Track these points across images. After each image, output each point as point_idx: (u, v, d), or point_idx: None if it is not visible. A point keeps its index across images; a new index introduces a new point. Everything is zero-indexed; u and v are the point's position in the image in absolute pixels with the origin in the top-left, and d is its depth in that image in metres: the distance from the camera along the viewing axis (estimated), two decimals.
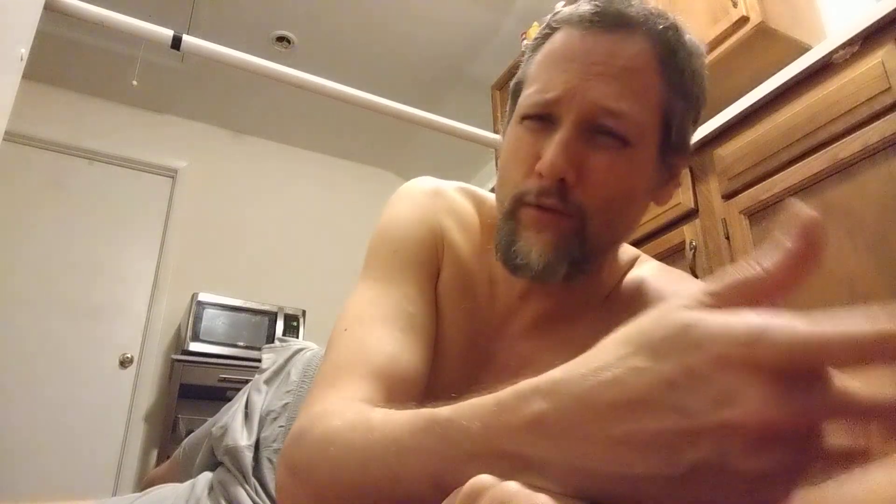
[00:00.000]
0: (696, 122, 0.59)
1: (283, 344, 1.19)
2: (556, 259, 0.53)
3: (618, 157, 0.53)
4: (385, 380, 0.49)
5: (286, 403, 0.87)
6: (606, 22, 0.54)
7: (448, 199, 0.65)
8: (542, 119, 0.55)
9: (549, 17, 0.59)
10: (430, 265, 0.61)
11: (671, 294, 0.59)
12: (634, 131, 0.53)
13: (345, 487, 0.40)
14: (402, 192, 0.66)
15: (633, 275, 0.63)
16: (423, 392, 0.53)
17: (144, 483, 1.36)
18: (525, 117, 0.56)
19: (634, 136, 0.53)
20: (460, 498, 0.34)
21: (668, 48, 0.54)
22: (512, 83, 0.61)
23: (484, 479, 0.34)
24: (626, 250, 0.66)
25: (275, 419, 0.84)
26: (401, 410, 0.38)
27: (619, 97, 0.52)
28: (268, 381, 1.00)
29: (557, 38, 0.56)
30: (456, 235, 0.63)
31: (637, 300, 0.60)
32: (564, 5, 0.59)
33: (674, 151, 0.57)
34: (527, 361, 0.59)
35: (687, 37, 0.56)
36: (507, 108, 0.62)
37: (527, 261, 0.53)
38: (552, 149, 0.52)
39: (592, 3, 0.55)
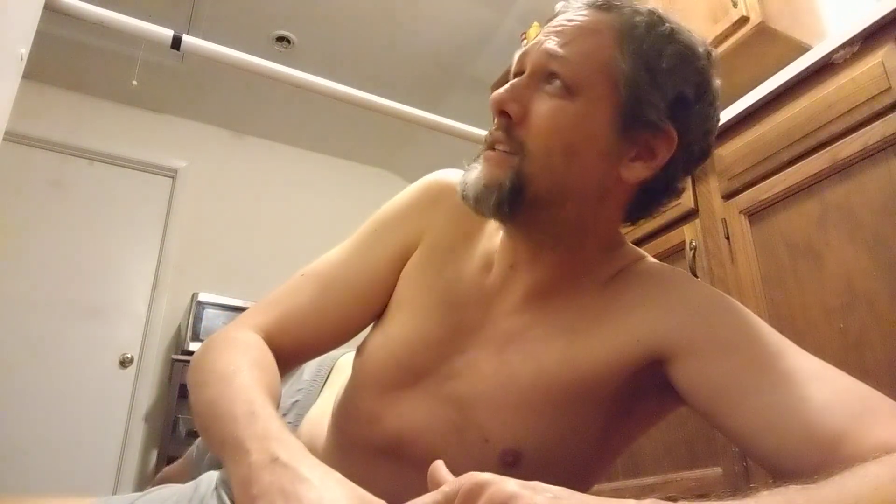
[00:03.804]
0: (681, 107, 0.59)
1: None
2: (487, 190, 0.58)
3: (561, 104, 0.58)
4: (281, 318, 0.66)
5: (296, 401, 0.87)
6: (582, 1, 0.62)
7: (446, 192, 0.70)
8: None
9: None
10: (396, 248, 0.70)
11: (670, 287, 0.60)
12: (577, 81, 0.58)
13: (194, 387, 0.58)
14: (415, 185, 0.74)
15: (634, 269, 0.65)
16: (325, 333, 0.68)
17: (157, 480, 1.36)
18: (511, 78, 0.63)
19: (578, 87, 0.57)
20: (460, 495, 0.34)
21: (630, 23, 0.59)
22: None
23: (483, 476, 0.34)
24: (631, 249, 0.68)
25: (283, 416, 0.84)
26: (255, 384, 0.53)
27: (563, 45, 0.59)
28: None
29: None
30: (440, 222, 0.69)
31: (634, 289, 0.61)
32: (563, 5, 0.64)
33: (641, 125, 0.58)
34: (513, 336, 0.62)
35: (667, 26, 0.60)
36: None
37: (465, 191, 0.60)
38: (501, 88, 0.60)
39: None
